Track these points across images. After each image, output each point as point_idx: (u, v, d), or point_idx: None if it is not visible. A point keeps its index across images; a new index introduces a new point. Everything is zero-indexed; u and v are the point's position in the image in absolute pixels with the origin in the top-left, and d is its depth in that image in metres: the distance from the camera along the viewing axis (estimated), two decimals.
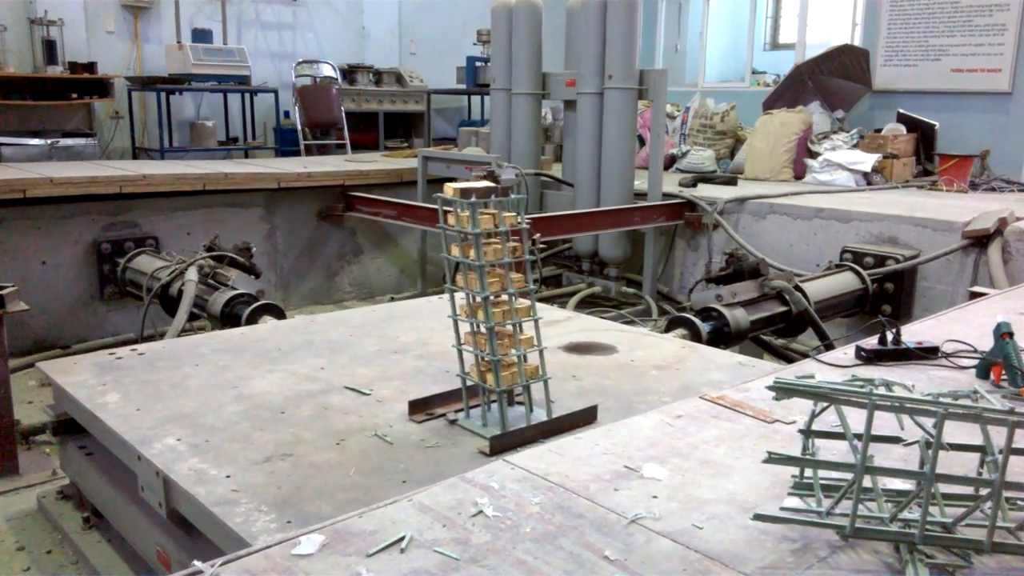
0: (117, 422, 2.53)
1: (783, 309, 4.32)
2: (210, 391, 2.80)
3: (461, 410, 2.58)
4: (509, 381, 2.41)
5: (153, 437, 2.42)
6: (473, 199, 2.31)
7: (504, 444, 2.36)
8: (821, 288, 4.68)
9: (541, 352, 2.49)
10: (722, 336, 4.01)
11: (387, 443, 2.40)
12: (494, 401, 2.51)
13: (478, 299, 2.37)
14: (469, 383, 2.53)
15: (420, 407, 2.63)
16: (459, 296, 2.48)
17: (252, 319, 4.01)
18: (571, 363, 3.15)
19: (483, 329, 2.38)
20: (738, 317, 4.08)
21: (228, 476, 2.18)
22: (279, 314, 4.12)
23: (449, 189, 2.36)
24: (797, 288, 4.37)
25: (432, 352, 3.25)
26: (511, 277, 2.40)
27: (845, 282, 4.91)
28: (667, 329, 4.02)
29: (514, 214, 2.43)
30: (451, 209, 2.38)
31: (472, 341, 2.43)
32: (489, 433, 2.42)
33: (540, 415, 2.52)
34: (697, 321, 3.95)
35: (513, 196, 2.42)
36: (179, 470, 2.22)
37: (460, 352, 2.51)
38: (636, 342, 3.45)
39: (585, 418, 2.56)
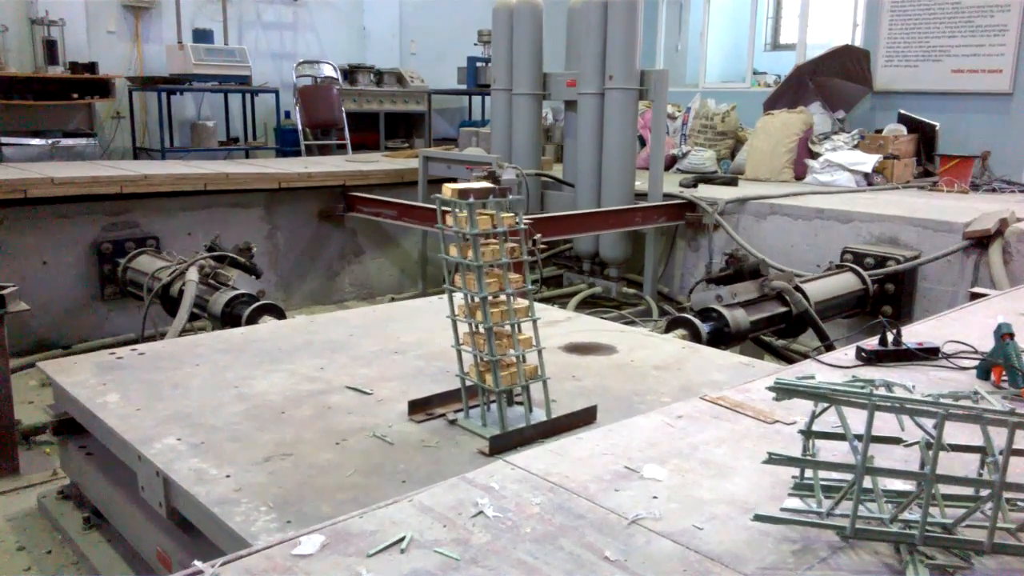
0: (117, 422, 2.53)
1: (783, 310, 4.32)
2: (210, 391, 2.80)
3: (461, 410, 2.58)
4: (508, 381, 2.42)
5: (153, 437, 2.42)
6: (471, 200, 2.31)
7: (503, 444, 2.36)
8: (821, 289, 4.68)
9: (540, 352, 2.49)
10: (722, 336, 4.01)
11: (387, 443, 2.40)
12: (493, 401, 2.51)
13: (476, 299, 2.37)
14: (468, 383, 2.53)
15: (420, 407, 2.63)
16: (458, 296, 2.48)
17: (252, 319, 4.01)
18: (571, 363, 3.15)
19: (481, 329, 2.38)
20: (738, 317, 4.08)
21: (228, 476, 2.18)
22: (279, 314, 4.12)
23: (447, 190, 2.36)
24: (797, 289, 4.37)
25: (432, 352, 3.25)
26: (509, 277, 2.40)
27: (846, 283, 4.91)
28: (667, 329, 4.02)
29: (512, 215, 2.43)
30: (449, 210, 2.38)
31: (471, 341, 2.43)
32: (489, 433, 2.42)
33: (540, 415, 2.52)
34: (697, 321, 3.95)
35: (511, 197, 2.42)
36: (179, 470, 2.22)
37: (459, 352, 2.51)
38: (636, 342, 3.45)
39: (585, 418, 2.56)
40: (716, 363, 3.18)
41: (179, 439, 2.41)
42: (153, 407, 2.65)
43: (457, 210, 2.35)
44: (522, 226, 2.44)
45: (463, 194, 2.33)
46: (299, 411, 2.64)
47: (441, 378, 2.92)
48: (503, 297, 2.41)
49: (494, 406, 2.51)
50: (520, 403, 2.57)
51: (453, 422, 2.56)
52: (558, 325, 3.69)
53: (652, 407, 2.65)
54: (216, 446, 2.37)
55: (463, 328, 2.47)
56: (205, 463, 2.26)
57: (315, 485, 2.14)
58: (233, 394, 2.78)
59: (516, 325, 2.42)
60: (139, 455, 2.35)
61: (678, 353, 3.31)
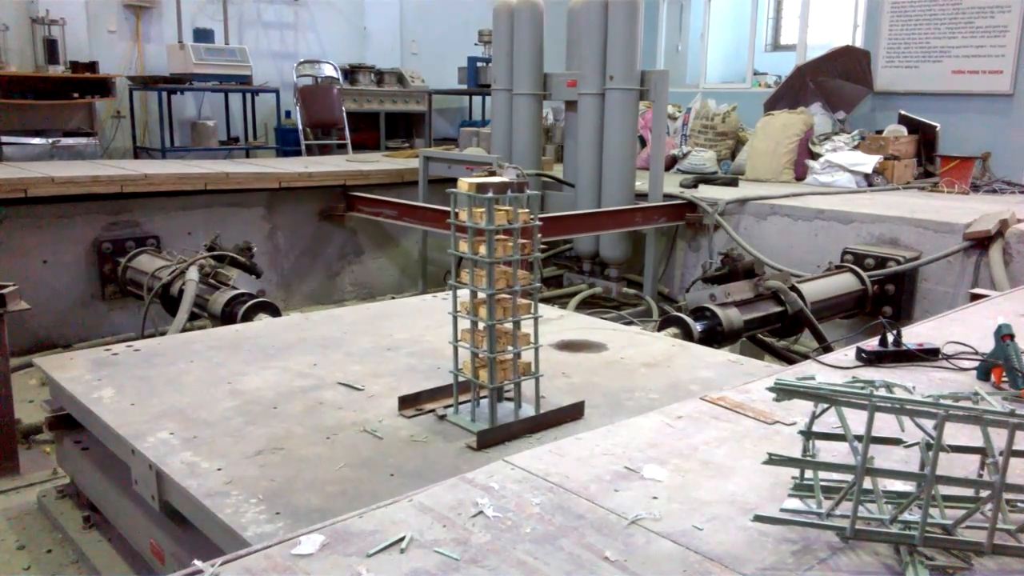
0: (111, 416, 2.55)
1: (778, 309, 4.31)
2: (204, 387, 2.82)
3: (450, 406, 2.60)
4: (502, 377, 2.43)
5: (147, 431, 2.44)
6: (490, 194, 2.30)
7: (491, 439, 2.38)
8: (819, 289, 4.67)
9: (537, 350, 2.50)
10: (715, 335, 4.01)
11: (377, 438, 2.42)
12: (483, 397, 2.52)
13: (482, 295, 2.37)
14: (460, 379, 2.54)
15: (410, 403, 2.65)
16: (461, 292, 2.48)
17: (247, 317, 4.03)
18: (561, 361, 3.17)
19: (482, 326, 2.38)
20: (731, 316, 4.08)
21: (219, 469, 2.20)
22: (274, 312, 4.14)
23: (464, 184, 2.35)
24: (793, 288, 4.36)
25: (424, 349, 3.26)
26: (518, 274, 2.40)
27: (844, 283, 4.91)
28: (660, 328, 4.03)
29: (527, 211, 2.43)
30: (462, 205, 2.37)
31: (470, 337, 2.43)
32: (477, 428, 2.44)
33: (528, 411, 2.54)
34: (689, 320, 3.95)
35: (528, 192, 2.42)
36: (171, 463, 2.24)
37: (456, 348, 2.51)
38: (627, 341, 3.46)
39: (572, 414, 2.58)
40: (705, 360, 3.19)
41: (172, 433, 2.43)
42: (147, 402, 2.67)
43: (474, 204, 2.34)
44: (537, 223, 2.44)
45: (482, 188, 2.31)
46: (291, 406, 2.65)
47: (432, 375, 2.94)
48: (506, 294, 2.41)
49: (483, 402, 2.52)
50: (510, 399, 2.58)
51: (443, 417, 2.58)
52: (550, 323, 3.69)
53: (640, 403, 2.67)
54: (208, 440, 2.38)
55: (463, 324, 2.47)
56: (197, 457, 2.28)
57: (305, 478, 2.16)
58: (226, 390, 2.79)
59: (517, 323, 2.43)
60: (133, 449, 2.37)
61: (667, 351, 3.33)
